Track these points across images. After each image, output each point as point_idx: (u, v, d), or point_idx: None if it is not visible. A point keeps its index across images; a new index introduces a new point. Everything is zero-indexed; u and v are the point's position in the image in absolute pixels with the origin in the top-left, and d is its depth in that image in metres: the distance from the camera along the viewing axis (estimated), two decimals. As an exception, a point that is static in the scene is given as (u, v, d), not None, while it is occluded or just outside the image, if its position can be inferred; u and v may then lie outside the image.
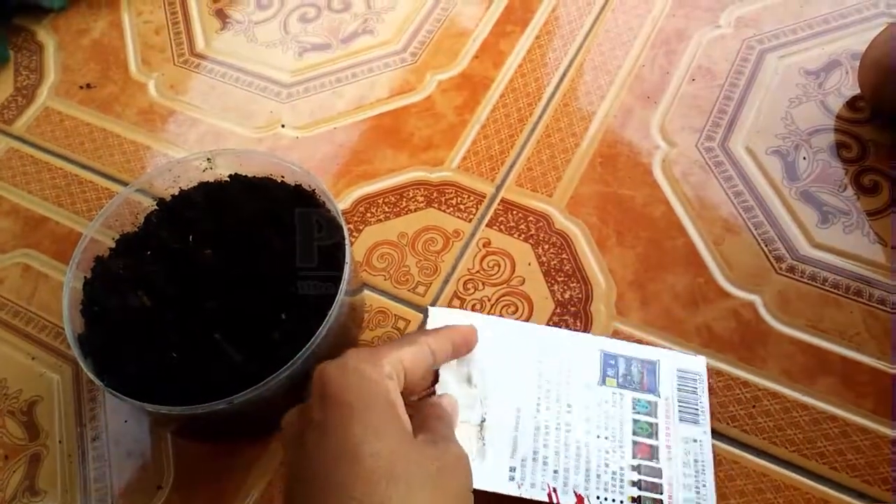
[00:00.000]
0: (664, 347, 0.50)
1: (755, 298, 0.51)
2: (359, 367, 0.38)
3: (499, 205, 0.57)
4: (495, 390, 0.47)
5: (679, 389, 0.48)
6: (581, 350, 0.49)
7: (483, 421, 0.46)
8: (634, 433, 0.46)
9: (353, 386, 0.37)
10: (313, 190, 0.52)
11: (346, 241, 0.47)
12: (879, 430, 0.46)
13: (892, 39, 0.53)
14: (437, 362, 0.43)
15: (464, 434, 0.46)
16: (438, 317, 0.50)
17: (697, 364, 0.49)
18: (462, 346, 0.46)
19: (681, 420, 0.47)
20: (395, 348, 0.40)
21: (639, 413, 0.47)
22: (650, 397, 0.47)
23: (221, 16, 0.71)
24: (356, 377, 0.37)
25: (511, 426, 0.46)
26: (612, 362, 0.48)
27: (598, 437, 0.46)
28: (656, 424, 0.46)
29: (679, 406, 0.47)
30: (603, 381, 0.48)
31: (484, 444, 0.46)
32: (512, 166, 0.59)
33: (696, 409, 0.47)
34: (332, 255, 0.48)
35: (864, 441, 0.46)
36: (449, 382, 0.47)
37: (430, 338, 0.43)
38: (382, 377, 0.38)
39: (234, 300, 0.48)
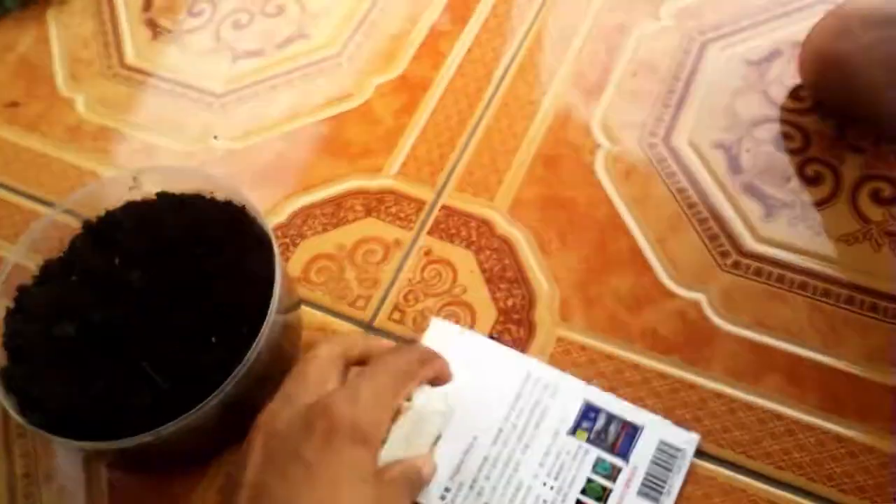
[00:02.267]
0: (655, 414, 0.46)
1: (700, 297, 0.50)
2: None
3: (439, 211, 0.56)
4: (463, 411, 0.46)
5: (653, 462, 0.44)
6: (564, 394, 0.47)
7: (439, 437, 0.46)
8: (583, 492, 0.44)
9: None
10: (244, 205, 0.50)
11: (277, 259, 0.46)
12: (824, 426, 0.45)
13: (831, 29, 0.52)
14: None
15: (418, 448, 0.45)
16: (439, 330, 0.50)
17: (686, 440, 0.45)
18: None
19: (639, 494, 0.43)
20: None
21: (597, 473, 0.44)
22: (617, 461, 0.44)
23: (152, 25, 0.69)
24: None
25: (462, 450, 0.45)
26: (592, 415, 0.46)
27: (545, 484, 0.44)
28: (610, 491, 0.44)
29: (645, 479, 0.44)
30: (573, 432, 0.46)
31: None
32: (452, 171, 0.57)
33: (662, 488, 0.44)
34: (263, 274, 0.46)
35: (810, 438, 0.45)
36: (418, 396, 0.46)
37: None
38: None
39: (163, 325, 0.46)
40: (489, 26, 0.64)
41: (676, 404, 0.47)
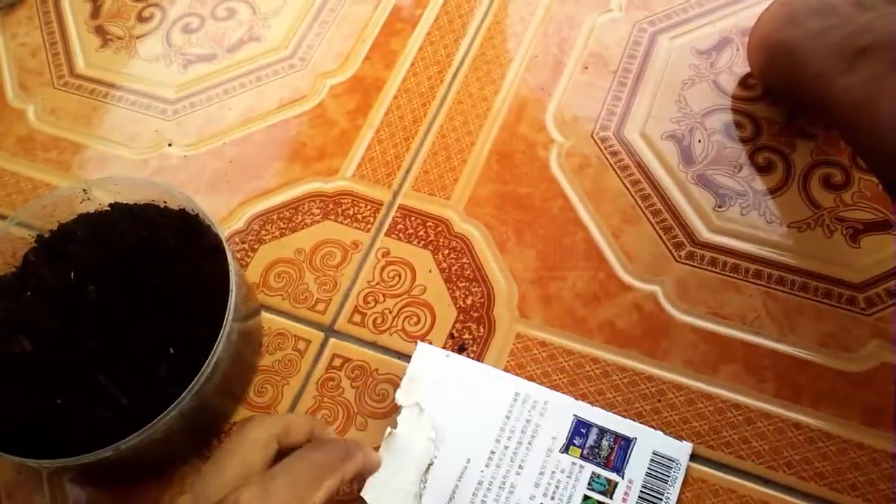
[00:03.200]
0: (646, 426, 0.46)
1: (656, 289, 0.51)
2: None
3: (396, 212, 0.56)
4: (453, 435, 0.46)
5: (648, 474, 0.44)
6: (554, 411, 0.47)
7: (431, 464, 0.45)
8: None
9: None
10: (197, 214, 0.50)
11: (231, 267, 0.46)
12: (782, 413, 0.46)
13: (777, 17, 0.53)
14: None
15: (407, 476, 0.44)
16: (424, 355, 0.49)
17: (679, 450, 0.45)
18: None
19: None
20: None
21: (593, 490, 0.44)
22: (612, 476, 0.44)
23: (101, 32, 0.68)
24: None
25: (455, 475, 0.45)
26: (584, 430, 0.46)
27: None
28: None
29: (641, 492, 0.44)
30: (566, 449, 0.45)
31: (424, 486, 0.45)
32: (408, 171, 0.57)
33: (660, 500, 0.44)
34: (219, 282, 0.46)
35: (768, 426, 0.46)
36: (407, 423, 0.46)
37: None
38: None
39: (120, 337, 0.46)
40: (440, 23, 0.64)
41: (636, 396, 0.47)
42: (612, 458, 0.45)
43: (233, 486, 0.37)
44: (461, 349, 0.50)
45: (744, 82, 0.58)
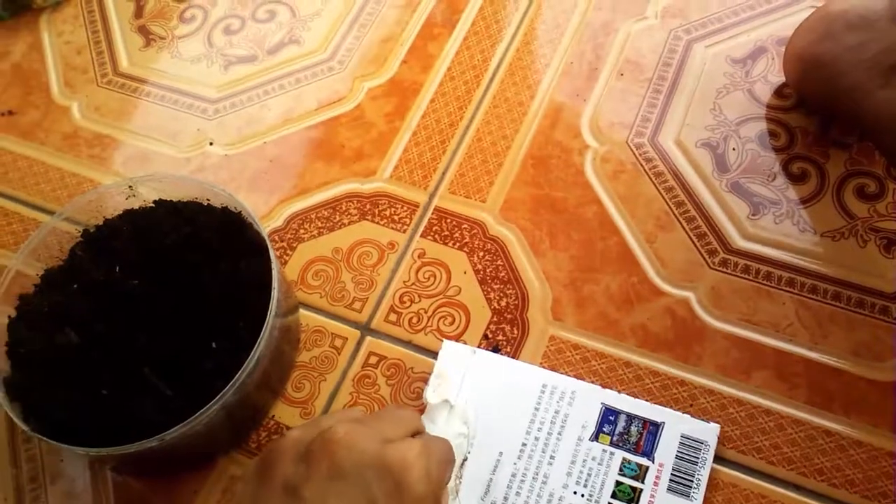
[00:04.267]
0: (672, 410, 0.47)
1: (689, 295, 0.51)
2: None
3: (432, 214, 0.57)
4: (484, 430, 0.47)
5: (678, 457, 0.45)
6: (582, 401, 0.48)
7: (465, 460, 0.46)
8: (614, 496, 0.45)
9: None
10: (239, 211, 0.51)
11: (274, 264, 0.47)
12: (813, 421, 0.47)
13: (814, 30, 0.53)
14: None
15: None
16: (451, 351, 0.50)
17: (708, 432, 0.46)
18: None
19: (669, 490, 0.44)
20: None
21: (625, 475, 0.45)
22: (642, 461, 0.45)
23: (144, 32, 0.70)
24: None
25: (489, 468, 0.46)
26: (612, 418, 0.47)
27: (575, 493, 0.45)
28: (640, 491, 0.44)
29: (672, 475, 0.45)
30: (596, 437, 0.46)
31: (460, 482, 0.46)
32: (444, 173, 0.58)
33: (691, 482, 0.44)
34: (261, 279, 0.47)
35: (799, 433, 0.46)
36: (437, 420, 0.47)
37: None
38: None
39: (164, 331, 0.47)
40: (477, 28, 0.65)
41: (668, 400, 0.48)
42: (641, 443, 0.46)
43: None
44: (495, 350, 0.51)
45: (779, 91, 0.58)
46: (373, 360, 0.52)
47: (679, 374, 0.49)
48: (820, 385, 0.48)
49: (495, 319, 0.52)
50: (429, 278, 0.54)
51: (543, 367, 0.50)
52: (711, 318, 0.50)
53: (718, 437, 0.46)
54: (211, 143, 0.62)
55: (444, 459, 0.39)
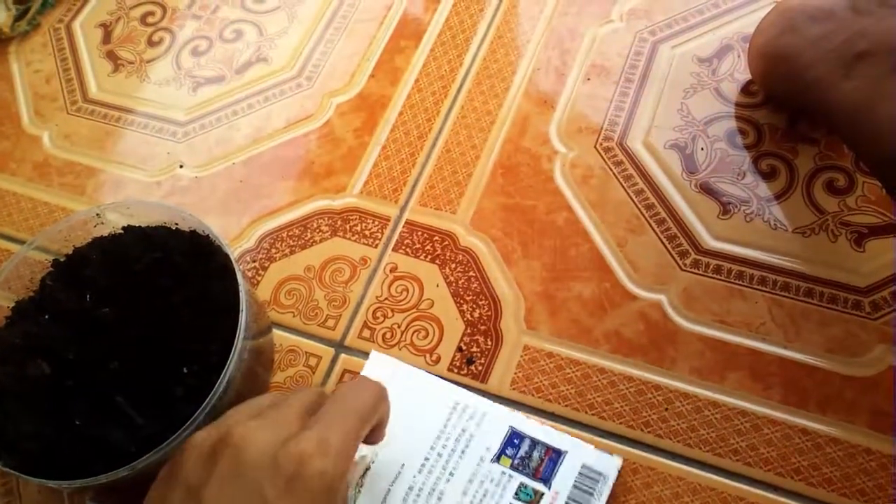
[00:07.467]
0: (581, 436, 0.47)
1: (661, 298, 0.51)
2: None
3: (404, 227, 0.57)
4: (393, 442, 0.47)
5: (575, 487, 0.45)
6: (490, 422, 0.47)
7: (368, 469, 0.46)
8: None
9: None
10: (207, 234, 0.51)
11: (241, 287, 0.46)
12: (789, 419, 0.46)
13: (776, 24, 0.53)
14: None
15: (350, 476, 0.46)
16: (376, 363, 0.50)
17: (609, 464, 0.45)
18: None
19: None
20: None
21: (519, 500, 0.44)
22: (539, 486, 0.45)
23: (112, 57, 0.70)
24: None
25: (389, 479, 0.46)
26: (517, 441, 0.46)
27: None
28: None
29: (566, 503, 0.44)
30: (497, 459, 0.46)
31: (360, 491, 0.46)
32: (414, 186, 0.58)
33: None
34: (230, 302, 0.47)
35: (776, 433, 0.46)
36: None
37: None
38: None
39: (135, 358, 0.47)
40: (444, 39, 0.65)
41: (643, 406, 0.48)
42: (540, 469, 0.45)
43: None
44: (469, 362, 0.51)
45: (746, 89, 0.58)
46: (347, 377, 0.51)
47: (654, 379, 0.49)
48: (795, 383, 0.47)
49: (469, 331, 0.52)
50: (401, 292, 0.54)
51: (523, 387, 0.50)
52: (684, 321, 0.50)
53: (620, 471, 0.45)
54: (181, 166, 0.62)
55: (341, 450, 0.37)
